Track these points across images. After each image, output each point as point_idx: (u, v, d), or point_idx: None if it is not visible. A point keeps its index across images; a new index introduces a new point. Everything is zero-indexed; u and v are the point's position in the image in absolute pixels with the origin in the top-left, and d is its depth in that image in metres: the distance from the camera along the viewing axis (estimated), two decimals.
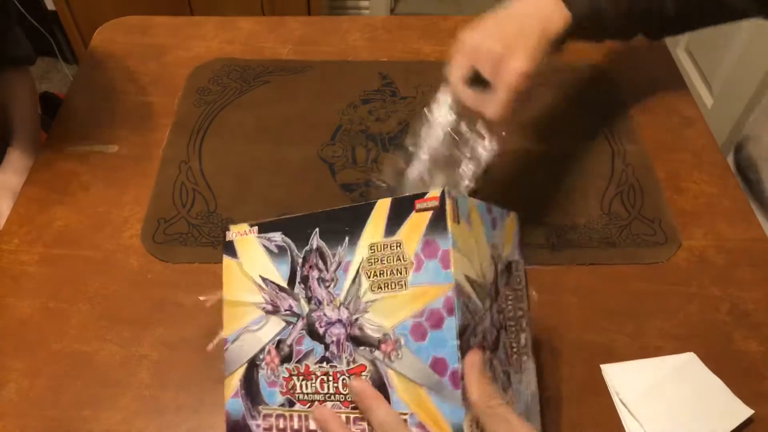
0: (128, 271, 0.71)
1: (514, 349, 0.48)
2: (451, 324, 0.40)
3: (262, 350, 0.49)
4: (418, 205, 0.43)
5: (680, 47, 1.88)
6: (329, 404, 0.46)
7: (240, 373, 0.50)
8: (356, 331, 0.45)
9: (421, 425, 0.41)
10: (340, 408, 0.45)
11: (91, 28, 1.03)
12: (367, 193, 0.78)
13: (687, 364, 0.64)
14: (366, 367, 0.44)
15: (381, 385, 0.43)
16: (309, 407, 0.47)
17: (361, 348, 0.44)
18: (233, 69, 0.95)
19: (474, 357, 0.41)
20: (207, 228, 0.75)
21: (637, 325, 0.67)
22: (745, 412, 0.60)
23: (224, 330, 0.52)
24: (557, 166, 0.82)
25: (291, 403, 0.48)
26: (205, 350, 0.64)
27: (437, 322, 0.41)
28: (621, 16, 0.68)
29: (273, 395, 0.48)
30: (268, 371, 0.49)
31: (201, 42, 0.99)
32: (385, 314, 0.43)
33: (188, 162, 0.82)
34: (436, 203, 0.42)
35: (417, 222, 0.43)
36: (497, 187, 0.80)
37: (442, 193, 0.42)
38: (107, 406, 0.61)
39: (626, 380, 0.62)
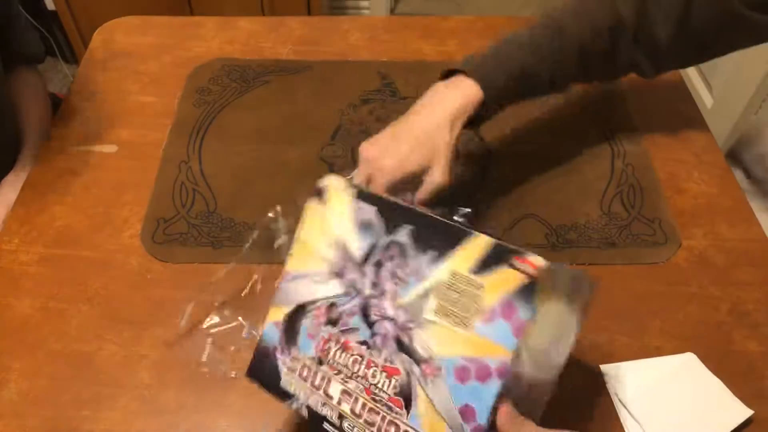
0: (128, 271, 0.71)
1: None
2: (495, 386, 0.42)
3: (314, 302, 0.51)
4: (516, 263, 0.43)
5: None
6: (353, 384, 0.48)
7: (287, 309, 0.53)
8: (405, 338, 0.46)
9: None
10: (362, 392, 0.47)
11: (91, 28, 1.03)
12: None
13: (687, 364, 0.64)
14: (400, 372, 0.46)
15: (407, 395, 0.45)
16: (335, 374, 0.49)
17: (403, 355, 0.46)
18: (233, 69, 0.95)
19: (506, 409, 0.43)
20: (207, 228, 0.75)
21: (637, 325, 0.67)
22: (744, 412, 0.60)
23: (288, 264, 0.54)
24: (557, 166, 0.82)
25: (320, 362, 0.50)
26: (205, 350, 0.64)
27: (484, 377, 0.42)
28: (566, 74, 0.69)
29: (308, 346, 0.51)
30: (313, 324, 0.51)
31: (201, 42, 0.99)
32: (439, 341, 0.45)
33: (188, 162, 0.82)
34: (534, 272, 0.42)
35: (507, 278, 0.43)
36: (498, 187, 0.80)
37: (546, 267, 0.42)
38: (107, 406, 0.61)
39: (626, 380, 0.62)
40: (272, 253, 0.69)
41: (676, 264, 0.72)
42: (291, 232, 0.62)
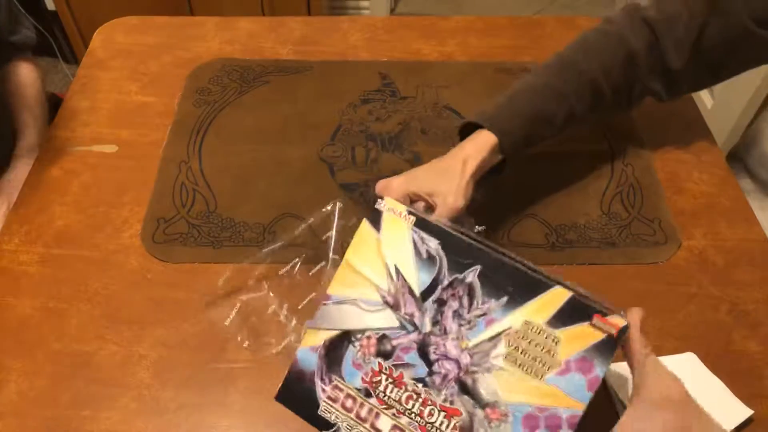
0: (128, 271, 0.71)
1: None
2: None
3: (362, 331, 0.50)
4: (596, 321, 0.44)
5: None
6: (405, 420, 0.47)
7: (328, 335, 0.50)
8: (468, 381, 0.46)
9: None
10: (416, 429, 0.47)
11: (91, 28, 1.03)
12: (367, 193, 0.78)
13: (687, 363, 0.64)
14: (461, 413, 0.46)
15: None
16: (385, 408, 0.48)
17: (465, 397, 0.46)
18: (233, 69, 0.95)
19: (635, 316, 0.45)
20: (207, 228, 0.75)
21: None
22: (744, 412, 0.60)
23: (331, 287, 0.52)
24: (557, 166, 0.82)
25: (368, 394, 0.48)
26: (204, 350, 0.65)
27: (554, 428, 0.43)
28: (580, 111, 0.69)
29: (353, 376, 0.49)
30: (359, 354, 0.49)
31: (201, 42, 0.99)
32: (507, 387, 0.45)
33: (188, 162, 0.82)
34: (613, 332, 0.43)
35: (585, 334, 0.44)
36: (498, 188, 0.80)
37: (625, 327, 0.44)
38: (107, 406, 0.61)
39: (626, 380, 0.62)
40: (318, 244, 0.69)
41: (676, 264, 0.72)
42: (342, 232, 0.63)
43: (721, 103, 1.67)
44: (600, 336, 0.43)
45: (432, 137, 0.86)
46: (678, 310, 0.68)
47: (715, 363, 0.63)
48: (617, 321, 0.44)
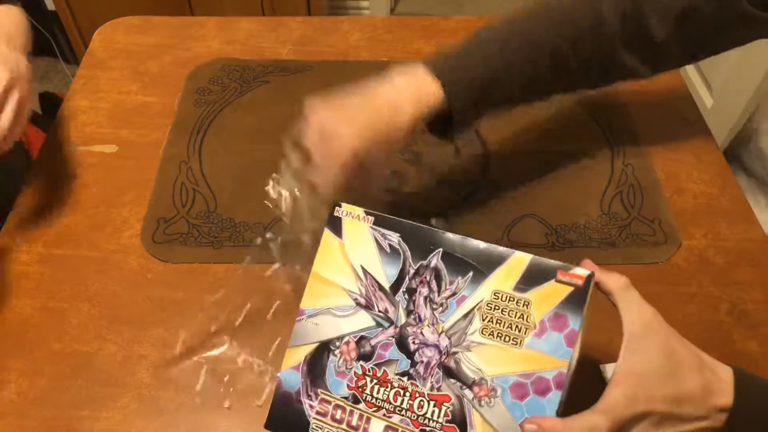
0: (128, 271, 0.71)
1: None
2: (556, 397, 0.43)
3: (340, 338, 0.49)
4: (560, 276, 0.45)
5: None
6: (397, 418, 0.46)
7: (307, 349, 0.50)
8: (451, 363, 0.46)
9: None
10: (408, 425, 0.46)
11: (91, 28, 1.03)
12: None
13: None
14: (450, 398, 0.45)
15: (461, 422, 0.45)
16: (374, 411, 0.47)
17: (451, 380, 0.46)
18: (233, 69, 0.95)
19: (589, 262, 0.47)
20: (207, 228, 0.75)
21: None
22: None
23: (303, 301, 0.51)
24: (557, 166, 0.82)
25: (356, 400, 0.48)
26: (204, 349, 0.64)
27: (543, 391, 0.44)
28: (549, 69, 0.63)
29: (338, 385, 0.48)
30: (341, 361, 0.49)
31: (201, 42, 0.99)
32: (489, 361, 0.45)
33: (188, 162, 0.82)
34: (580, 283, 0.44)
35: (553, 291, 0.45)
36: (498, 187, 0.80)
37: (590, 276, 0.44)
38: (107, 406, 0.61)
39: None
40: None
41: (676, 264, 0.72)
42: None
43: (721, 103, 1.67)
44: (568, 289, 0.44)
45: (432, 137, 0.86)
46: (678, 310, 0.68)
47: None
48: (580, 272, 0.44)
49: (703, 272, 0.72)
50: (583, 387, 0.62)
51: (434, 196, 0.78)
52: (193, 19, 1.07)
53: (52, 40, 2.01)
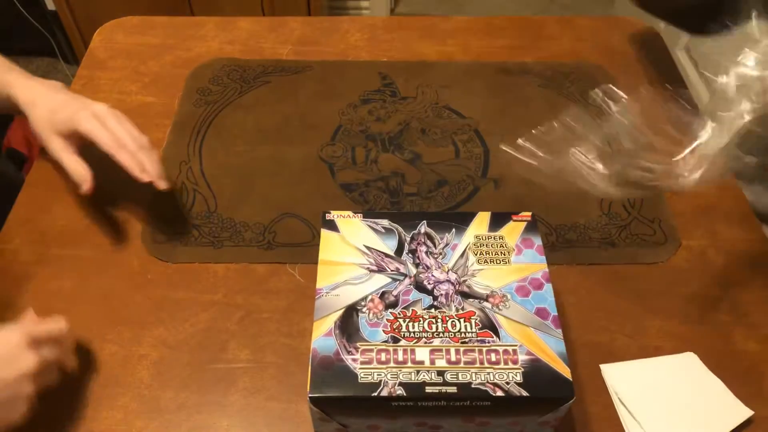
0: (128, 271, 0.71)
1: None
2: (549, 288, 0.57)
3: (364, 299, 0.55)
4: (515, 218, 0.61)
5: (680, 47, 1.88)
6: (437, 341, 0.53)
7: (335, 316, 0.54)
8: (464, 289, 0.56)
9: (530, 353, 0.52)
10: (450, 342, 0.53)
11: (91, 28, 1.03)
12: (366, 193, 0.78)
13: (686, 364, 0.64)
14: (474, 312, 0.55)
15: (490, 325, 0.54)
16: (415, 342, 0.53)
17: (470, 300, 0.55)
18: (233, 69, 0.95)
19: None
20: (207, 228, 0.75)
21: (637, 325, 0.67)
22: (744, 412, 0.60)
23: (318, 282, 0.56)
24: (557, 166, 0.82)
25: (395, 340, 0.53)
26: (204, 350, 0.65)
27: (539, 286, 0.57)
28: None
29: (375, 334, 0.53)
30: (371, 315, 0.54)
31: (201, 42, 0.99)
32: (492, 279, 0.57)
33: (188, 162, 0.82)
34: (529, 218, 0.62)
35: (515, 227, 0.61)
36: (497, 187, 0.80)
37: (533, 215, 0.62)
38: (107, 406, 0.61)
39: (626, 380, 0.62)
40: None
41: (676, 264, 0.72)
42: None
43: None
44: (523, 224, 0.61)
45: (432, 137, 0.86)
46: (678, 310, 0.68)
47: (715, 363, 0.63)
48: (525, 214, 0.62)
49: (703, 272, 0.72)
50: (584, 387, 0.62)
51: (434, 196, 0.79)
52: (193, 19, 1.07)
53: (52, 40, 2.01)
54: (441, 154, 0.84)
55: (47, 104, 0.72)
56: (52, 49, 2.03)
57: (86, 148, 0.72)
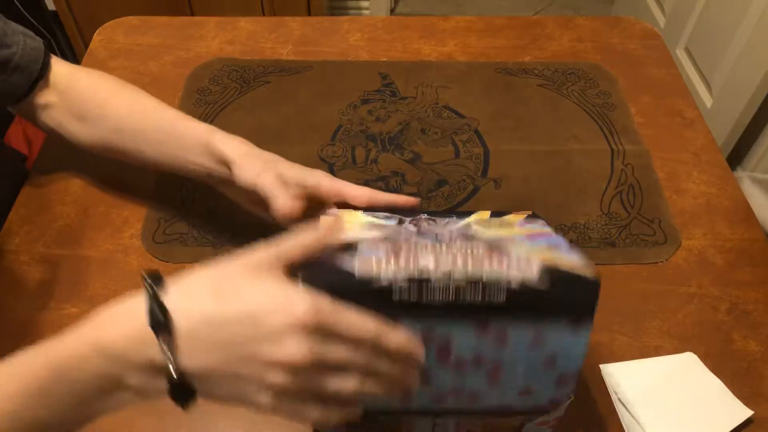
0: (128, 271, 0.71)
1: None
2: (560, 238, 0.50)
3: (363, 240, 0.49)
4: (513, 213, 0.55)
5: (680, 47, 1.88)
6: (443, 253, 0.47)
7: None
8: (470, 232, 0.51)
9: (546, 261, 0.47)
10: (457, 255, 0.46)
11: (91, 28, 1.03)
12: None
13: (686, 364, 0.64)
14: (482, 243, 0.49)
15: (500, 252, 0.47)
16: (423, 249, 0.47)
17: (476, 240, 0.49)
18: (233, 69, 0.95)
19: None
20: (207, 228, 0.75)
21: (637, 325, 0.67)
22: (744, 412, 0.60)
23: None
24: (557, 166, 0.82)
25: (396, 254, 0.47)
26: None
27: (547, 236, 0.50)
28: None
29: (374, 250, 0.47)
30: (368, 246, 0.48)
31: (201, 42, 1.00)
32: (500, 234, 0.51)
33: None
34: (529, 213, 0.55)
35: (515, 218, 0.54)
36: (497, 187, 0.80)
37: (533, 212, 0.55)
38: None
39: (626, 380, 0.62)
40: None
41: (676, 264, 0.72)
42: None
43: (721, 103, 1.67)
44: (523, 215, 0.54)
45: (432, 137, 0.86)
46: (678, 310, 0.68)
47: (715, 363, 0.63)
48: (523, 212, 0.55)
49: (703, 272, 0.72)
50: (584, 387, 0.62)
51: (434, 195, 0.79)
52: (193, 19, 1.07)
53: (52, 40, 2.01)
54: (441, 153, 0.84)
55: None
56: (53, 49, 2.03)
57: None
